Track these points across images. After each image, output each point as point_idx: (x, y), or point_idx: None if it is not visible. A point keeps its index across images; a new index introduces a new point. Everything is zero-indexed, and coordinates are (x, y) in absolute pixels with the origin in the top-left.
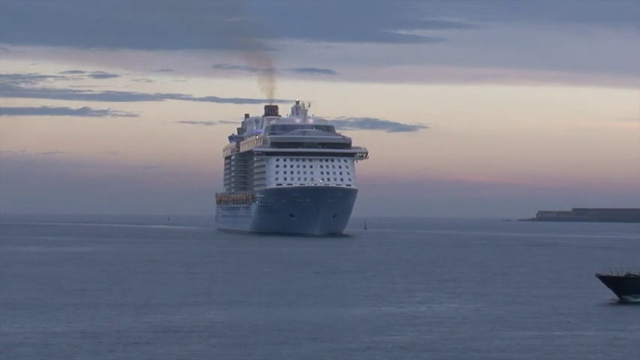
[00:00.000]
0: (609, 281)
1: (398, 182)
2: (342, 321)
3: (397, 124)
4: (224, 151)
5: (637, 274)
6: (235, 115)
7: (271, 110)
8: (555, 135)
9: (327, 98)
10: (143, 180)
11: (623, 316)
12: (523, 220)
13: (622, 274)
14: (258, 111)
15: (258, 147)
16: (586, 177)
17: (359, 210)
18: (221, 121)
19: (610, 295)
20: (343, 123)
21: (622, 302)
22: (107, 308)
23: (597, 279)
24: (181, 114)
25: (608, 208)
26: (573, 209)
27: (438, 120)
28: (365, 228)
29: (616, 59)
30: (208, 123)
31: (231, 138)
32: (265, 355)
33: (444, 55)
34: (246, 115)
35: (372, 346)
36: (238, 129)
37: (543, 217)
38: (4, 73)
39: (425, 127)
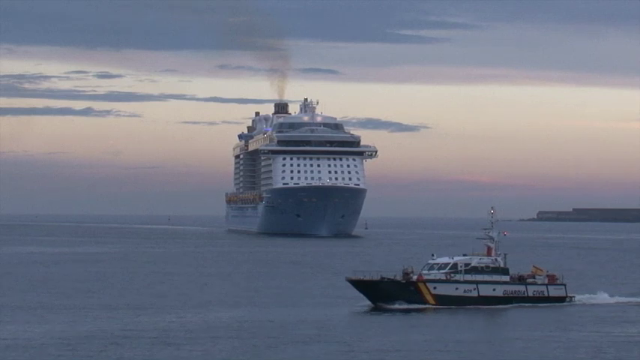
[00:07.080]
0: (361, 286)
1: (399, 182)
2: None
3: (399, 124)
4: (234, 149)
5: (392, 277)
6: (239, 115)
7: (281, 108)
8: (556, 135)
9: (330, 98)
10: (146, 180)
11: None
12: (523, 220)
13: (376, 277)
14: (263, 110)
15: (265, 145)
16: (586, 177)
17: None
18: (224, 122)
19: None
20: (346, 123)
21: (375, 310)
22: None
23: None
24: (184, 114)
25: (608, 208)
26: (573, 209)
27: (440, 120)
28: (365, 228)
29: (618, 60)
30: (211, 123)
31: (240, 136)
32: (268, 355)
33: (447, 56)
34: (257, 113)
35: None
36: (248, 127)
37: (543, 217)
38: (8, 74)
39: (427, 128)
